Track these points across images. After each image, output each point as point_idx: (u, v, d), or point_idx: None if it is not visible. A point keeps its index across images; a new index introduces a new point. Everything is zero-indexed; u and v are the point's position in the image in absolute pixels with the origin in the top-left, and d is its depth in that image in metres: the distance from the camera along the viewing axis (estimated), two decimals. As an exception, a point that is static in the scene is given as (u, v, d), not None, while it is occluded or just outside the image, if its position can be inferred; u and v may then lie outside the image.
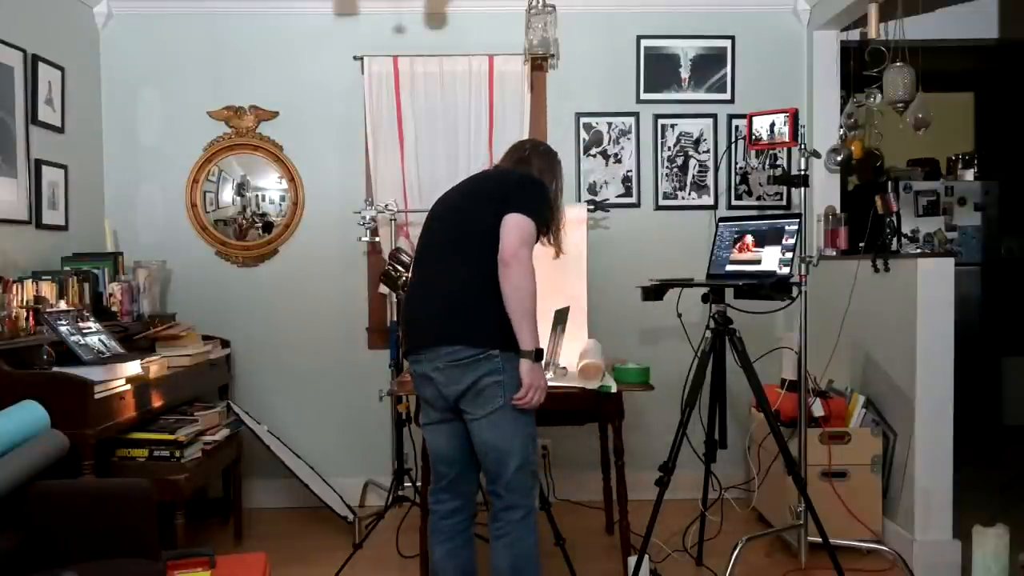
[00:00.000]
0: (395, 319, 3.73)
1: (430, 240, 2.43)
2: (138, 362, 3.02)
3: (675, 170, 4.20)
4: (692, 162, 4.20)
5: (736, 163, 4.21)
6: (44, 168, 3.50)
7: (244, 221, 4.12)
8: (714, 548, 3.31)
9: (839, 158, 3.97)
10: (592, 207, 3.97)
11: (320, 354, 4.15)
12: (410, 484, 3.80)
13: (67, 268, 3.40)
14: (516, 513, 2.32)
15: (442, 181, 3.65)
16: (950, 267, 3.17)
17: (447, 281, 2.30)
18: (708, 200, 4.20)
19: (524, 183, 2.38)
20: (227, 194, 4.12)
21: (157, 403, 3.11)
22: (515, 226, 2.23)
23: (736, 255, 3.20)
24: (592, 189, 4.17)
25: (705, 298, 3.05)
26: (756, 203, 4.21)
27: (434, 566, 2.46)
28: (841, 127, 3.96)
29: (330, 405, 4.16)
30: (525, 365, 2.24)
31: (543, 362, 2.38)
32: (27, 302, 2.89)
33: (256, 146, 4.11)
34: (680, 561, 3.33)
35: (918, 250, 3.82)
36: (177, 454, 3.02)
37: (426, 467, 3.04)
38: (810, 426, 3.26)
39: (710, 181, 4.21)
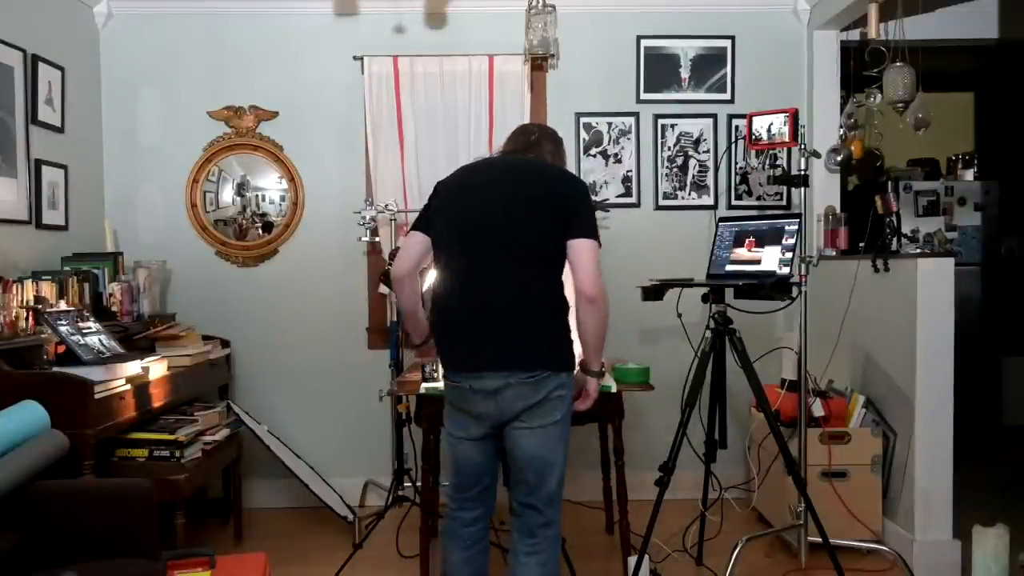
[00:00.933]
0: (395, 319, 3.73)
1: (478, 241, 2.22)
2: (138, 362, 3.02)
3: (675, 170, 4.20)
4: (692, 162, 4.21)
5: (736, 163, 4.21)
6: (44, 168, 3.50)
7: (244, 221, 4.12)
8: (714, 548, 3.31)
9: (839, 158, 3.97)
10: (592, 207, 3.97)
11: (320, 354, 4.15)
12: (410, 484, 3.80)
13: (67, 268, 3.40)
14: (552, 529, 2.28)
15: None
16: (950, 267, 3.17)
17: (513, 295, 2.19)
18: (708, 200, 4.20)
19: (585, 200, 2.29)
20: (227, 194, 4.12)
21: (157, 403, 3.11)
22: (589, 254, 2.20)
23: (736, 255, 3.20)
24: (592, 189, 4.17)
25: (705, 298, 3.05)
26: (756, 203, 4.21)
27: (448, 569, 2.39)
28: (841, 127, 3.96)
29: (330, 405, 4.16)
30: (593, 383, 2.38)
31: None
32: (27, 302, 2.89)
33: (256, 146, 4.11)
34: (680, 561, 3.33)
35: (918, 250, 3.82)
36: (177, 454, 3.02)
37: (428, 468, 3.04)
38: (810, 426, 3.26)
39: (710, 181, 4.21)
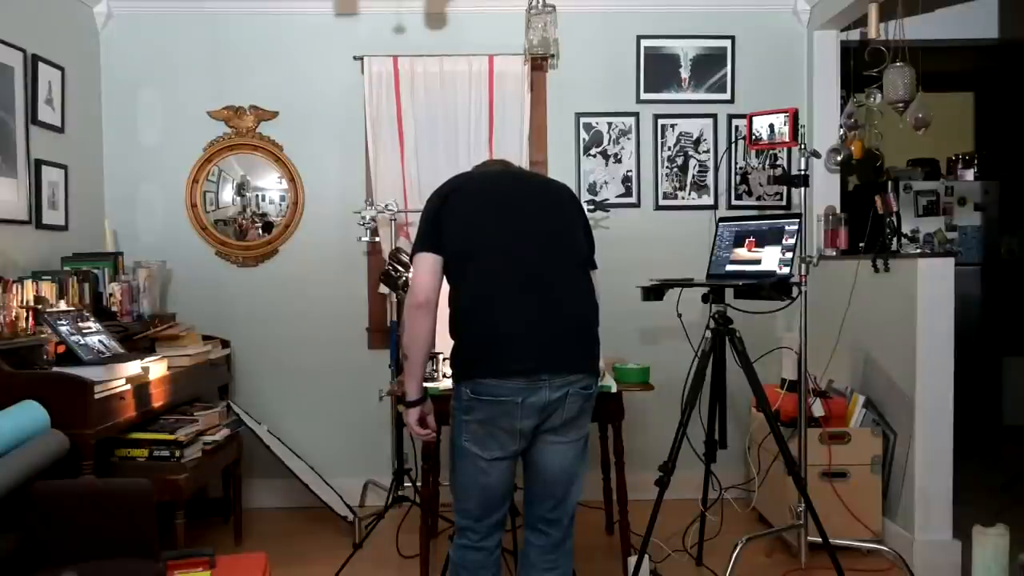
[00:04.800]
0: (395, 319, 3.73)
1: (531, 247, 2.12)
2: (138, 362, 3.02)
3: (675, 170, 4.20)
4: (692, 162, 4.20)
5: (736, 163, 4.21)
6: (44, 168, 3.50)
7: (244, 221, 4.12)
8: (714, 548, 3.31)
9: (839, 158, 3.97)
10: (592, 207, 3.97)
11: (320, 354, 4.14)
12: (410, 484, 3.80)
13: (67, 268, 3.40)
14: (569, 543, 2.25)
15: (442, 181, 3.64)
16: (950, 267, 3.17)
17: (572, 301, 2.12)
18: (708, 200, 4.20)
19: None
20: (227, 194, 4.12)
21: (157, 403, 3.11)
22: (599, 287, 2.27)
23: (736, 255, 3.20)
24: (592, 189, 4.17)
25: (705, 298, 3.05)
26: (756, 203, 4.21)
27: None
28: (841, 127, 3.96)
29: (330, 405, 4.16)
30: None
31: None
32: (27, 302, 2.89)
33: (256, 146, 4.11)
34: (680, 561, 3.33)
35: (918, 250, 3.82)
36: (177, 454, 3.02)
37: (428, 468, 3.04)
38: (810, 426, 3.26)
39: (710, 181, 4.21)
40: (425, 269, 2.13)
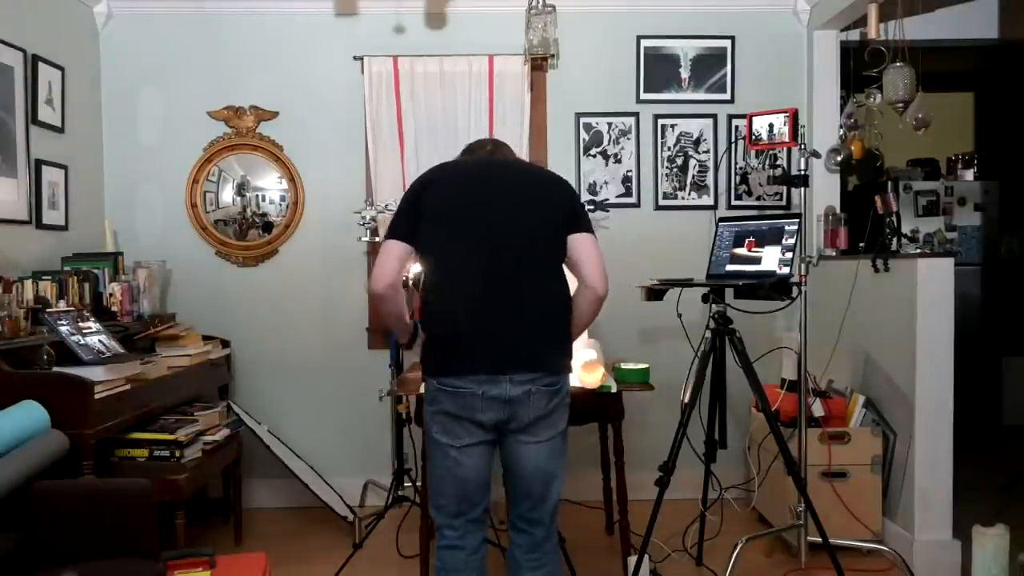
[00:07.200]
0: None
1: (497, 239, 2.11)
2: (138, 362, 3.02)
3: (675, 170, 4.20)
4: (692, 162, 4.21)
5: (736, 163, 4.21)
6: (44, 168, 3.50)
7: (244, 221, 4.12)
8: (714, 548, 3.31)
9: (839, 158, 3.97)
10: (592, 207, 3.97)
11: (320, 354, 4.15)
12: (410, 484, 3.80)
13: (67, 268, 3.40)
14: (552, 542, 2.25)
15: (442, 181, 3.65)
16: (950, 267, 3.17)
17: (538, 299, 2.12)
18: (708, 200, 4.20)
19: (579, 199, 2.30)
20: (227, 194, 4.12)
21: (157, 403, 3.11)
22: (595, 248, 2.18)
23: (736, 255, 3.20)
24: (592, 189, 4.17)
25: (705, 298, 3.05)
26: (756, 203, 4.21)
27: None
28: (841, 127, 3.96)
29: (330, 405, 4.16)
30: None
31: None
32: (27, 302, 2.89)
33: (256, 146, 4.11)
34: (680, 561, 3.33)
35: (918, 250, 3.82)
36: (177, 454, 3.02)
37: (425, 468, 3.04)
38: (810, 426, 3.26)
39: (710, 181, 4.21)
40: (392, 255, 2.13)
